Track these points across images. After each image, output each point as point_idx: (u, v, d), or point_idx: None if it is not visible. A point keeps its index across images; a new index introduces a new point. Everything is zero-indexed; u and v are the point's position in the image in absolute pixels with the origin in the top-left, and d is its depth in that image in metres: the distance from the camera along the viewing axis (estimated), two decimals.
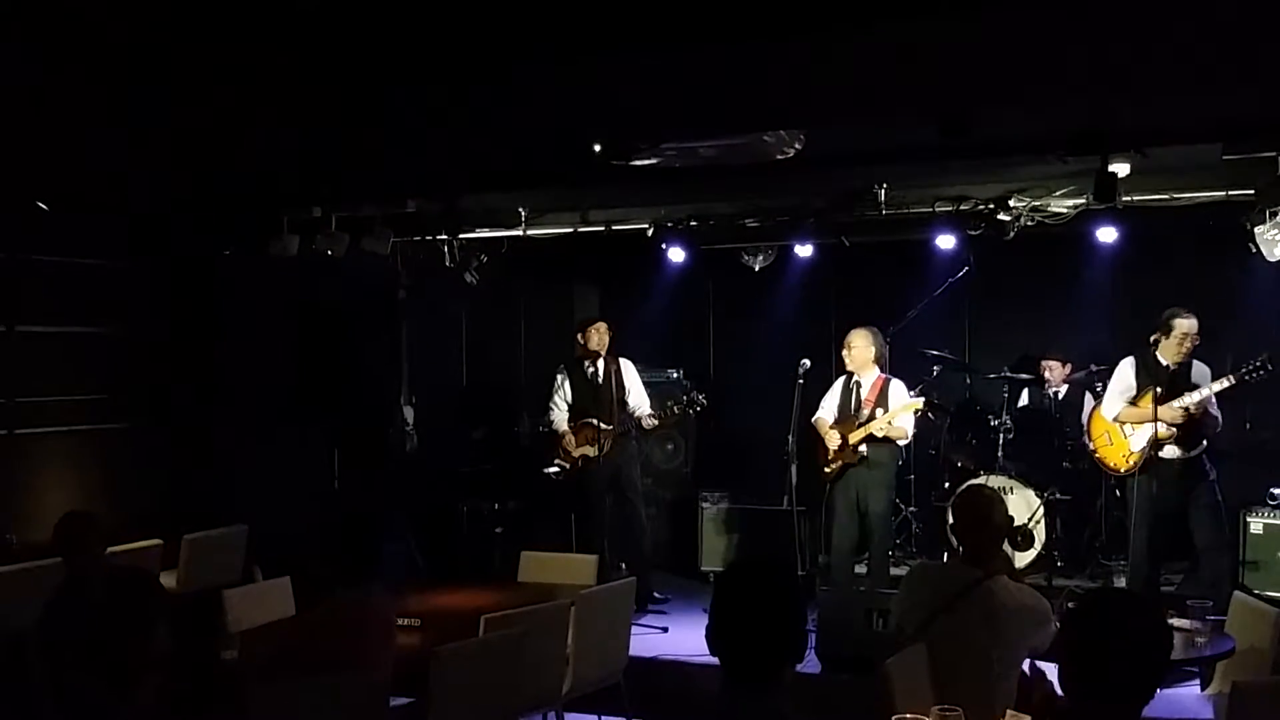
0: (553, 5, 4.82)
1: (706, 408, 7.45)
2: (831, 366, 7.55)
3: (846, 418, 6.76)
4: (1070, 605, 2.70)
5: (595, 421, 7.17)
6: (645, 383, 7.56)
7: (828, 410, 6.89)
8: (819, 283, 8.49)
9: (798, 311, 8.62)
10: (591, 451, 7.16)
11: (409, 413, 8.28)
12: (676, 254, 7.51)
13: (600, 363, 7.27)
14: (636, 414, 7.28)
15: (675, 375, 8.49)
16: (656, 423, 7.31)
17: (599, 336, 7.24)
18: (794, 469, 6.61)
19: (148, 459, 7.54)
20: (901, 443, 6.84)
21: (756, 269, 7.60)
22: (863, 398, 6.72)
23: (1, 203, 6.31)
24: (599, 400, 7.14)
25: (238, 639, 4.42)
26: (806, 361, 6.74)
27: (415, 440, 8.23)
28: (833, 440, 6.69)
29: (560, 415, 7.39)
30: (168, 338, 7.75)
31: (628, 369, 7.40)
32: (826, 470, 6.74)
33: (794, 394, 6.59)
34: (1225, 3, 4.44)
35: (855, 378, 6.84)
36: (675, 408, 7.36)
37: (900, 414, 6.59)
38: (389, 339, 8.49)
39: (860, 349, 6.77)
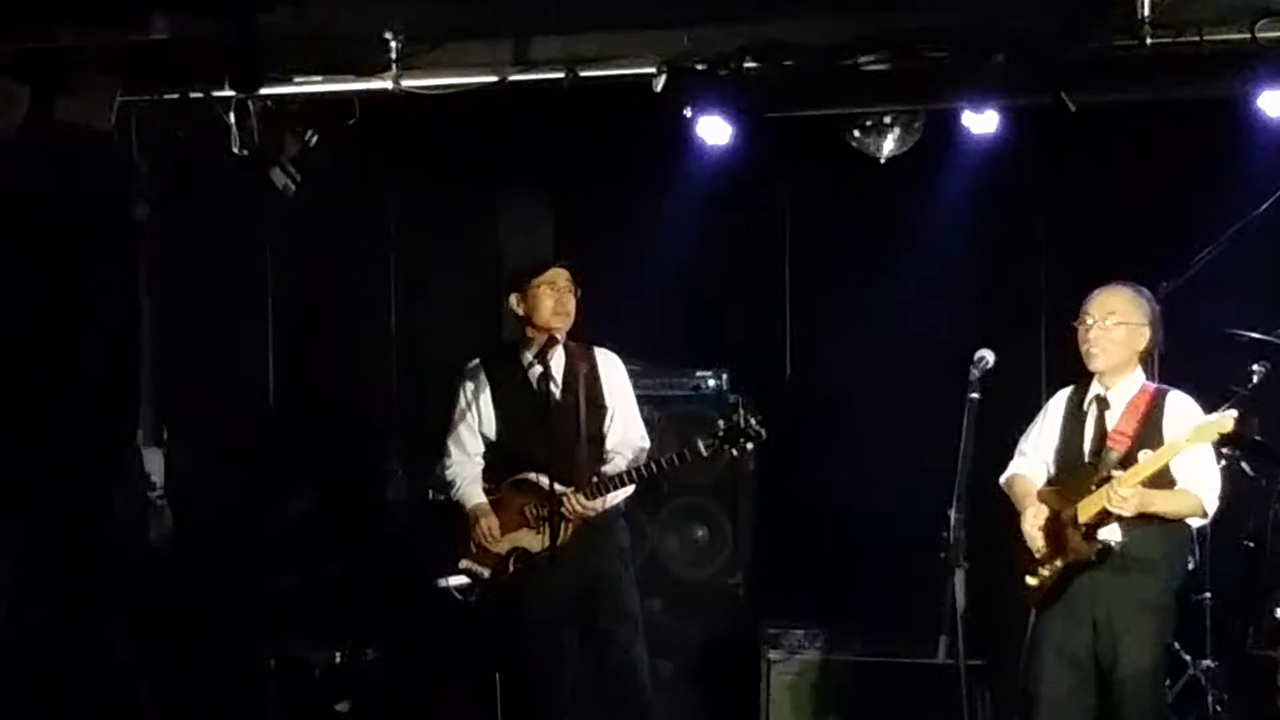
0: None
1: (766, 442, 7.37)
2: (1041, 363, 7.74)
3: (1076, 471, 6.67)
4: None
5: (538, 479, 7.14)
6: (647, 397, 7.62)
7: (1035, 459, 6.88)
8: (1012, 188, 8.42)
9: (968, 247, 8.58)
10: (535, 541, 7.19)
11: (154, 461, 8.32)
12: (713, 128, 7.56)
13: (556, 355, 7.26)
14: (609, 465, 7.35)
15: (713, 382, 8.51)
16: (630, 488, 7.36)
17: (554, 300, 7.26)
18: (960, 577, 6.56)
19: None
20: (1195, 522, 6.78)
21: (883, 158, 7.56)
22: (1110, 428, 6.69)
23: None
24: (551, 431, 7.13)
25: None
26: (988, 355, 6.70)
27: (169, 517, 8.25)
28: (1036, 519, 6.64)
29: (468, 467, 7.40)
30: None
31: (610, 368, 7.47)
32: (1032, 582, 6.71)
33: (963, 420, 6.58)
34: None
35: (1096, 389, 6.77)
36: (705, 446, 7.29)
37: (1189, 447, 6.53)
38: (113, 305, 8.47)
39: (1125, 330, 6.69)
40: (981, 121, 7.46)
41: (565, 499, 7.09)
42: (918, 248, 8.63)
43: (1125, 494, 6.43)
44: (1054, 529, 6.63)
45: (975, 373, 6.70)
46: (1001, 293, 8.48)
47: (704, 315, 9.14)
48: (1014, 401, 7.04)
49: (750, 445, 7.38)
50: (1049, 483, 6.76)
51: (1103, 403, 6.72)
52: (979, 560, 6.62)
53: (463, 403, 7.42)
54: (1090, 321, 6.66)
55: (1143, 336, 6.68)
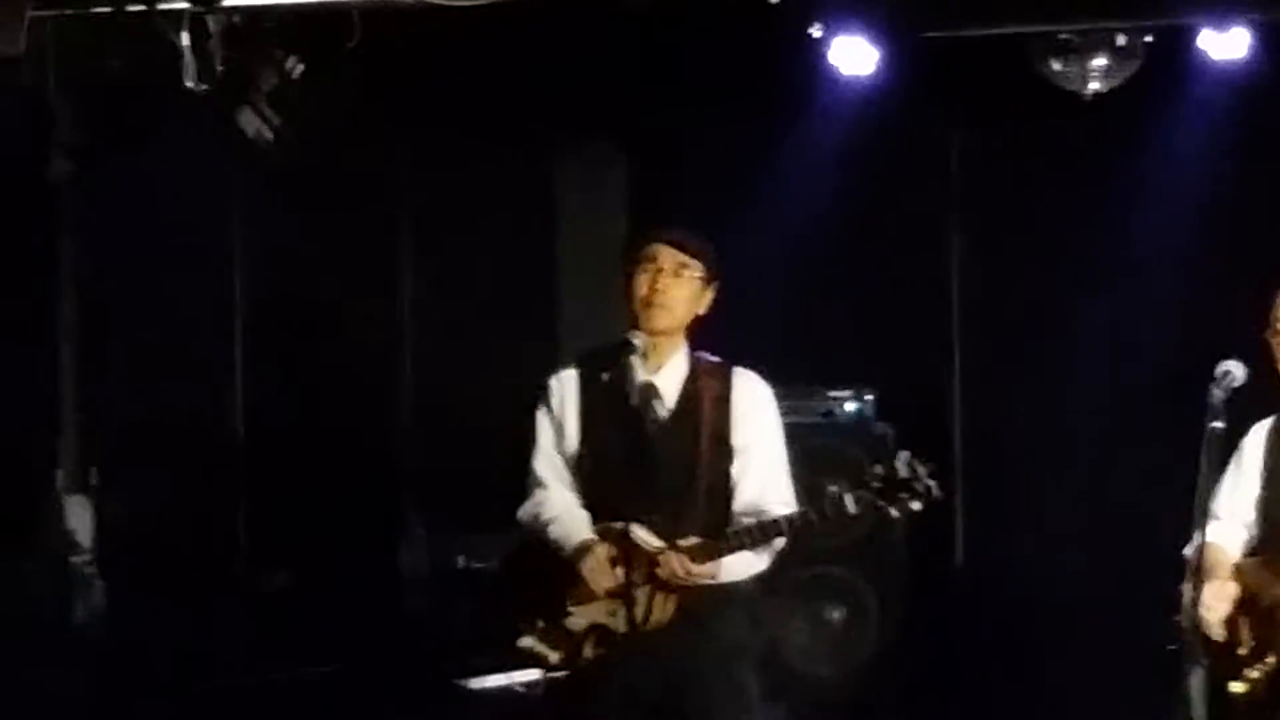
0: None
1: (936, 500, 6.49)
2: None
3: None
4: None
5: (633, 530, 6.46)
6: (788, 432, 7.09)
7: (1233, 524, 6.48)
8: (1267, 133, 8.28)
9: (1208, 218, 8.42)
10: (620, 618, 6.47)
11: (79, 515, 8.23)
12: (853, 53, 7.60)
13: (672, 365, 6.64)
14: (737, 528, 6.52)
15: (852, 406, 8.49)
16: (757, 561, 6.66)
17: (649, 284, 6.56)
18: (1199, 678, 6.13)
19: None
20: None
21: (1089, 92, 7.71)
22: None
23: None
24: (651, 468, 6.48)
25: None
26: (1236, 369, 6.12)
27: (98, 590, 8.12)
28: (1219, 599, 6.27)
29: (569, 497, 6.82)
30: None
31: (750, 398, 6.82)
32: (1238, 689, 6.34)
33: (1200, 460, 6.04)
34: None
35: None
36: (855, 500, 6.52)
37: None
38: (21, 298, 8.27)
39: None
40: (1225, 43, 7.27)
41: (662, 560, 6.23)
42: (1137, 220, 8.43)
43: None
44: (1261, 613, 6.05)
45: (1219, 394, 5.87)
46: (1256, 282, 7.27)
47: (839, 312, 8.91)
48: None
49: (918, 506, 6.33)
50: (1253, 551, 6.20)
51: None
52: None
53: (551, 415, 6.68)
54: None
55: None
